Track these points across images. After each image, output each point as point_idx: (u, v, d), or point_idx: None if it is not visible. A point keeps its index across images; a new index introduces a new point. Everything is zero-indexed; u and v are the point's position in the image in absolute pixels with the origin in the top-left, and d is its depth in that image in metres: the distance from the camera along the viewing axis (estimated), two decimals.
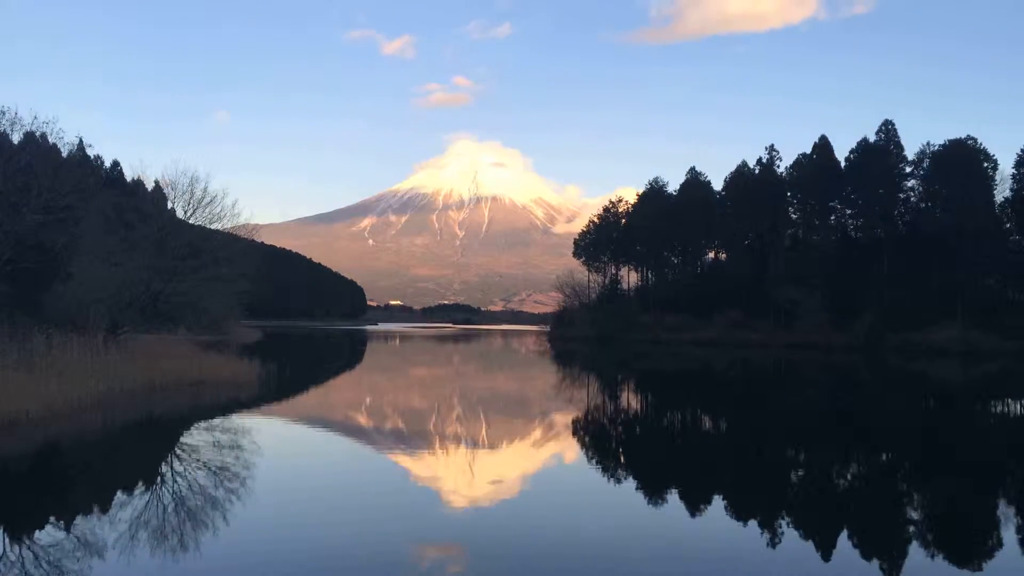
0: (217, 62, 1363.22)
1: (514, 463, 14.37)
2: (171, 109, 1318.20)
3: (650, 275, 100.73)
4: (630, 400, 28.46)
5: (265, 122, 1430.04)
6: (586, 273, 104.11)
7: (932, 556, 8.83)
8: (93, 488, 11.55)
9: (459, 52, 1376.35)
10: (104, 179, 51.25)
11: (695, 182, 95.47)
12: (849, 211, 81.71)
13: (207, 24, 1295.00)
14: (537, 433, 18.55)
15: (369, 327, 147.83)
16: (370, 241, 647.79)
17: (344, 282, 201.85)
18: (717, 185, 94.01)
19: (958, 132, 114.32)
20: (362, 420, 20.25)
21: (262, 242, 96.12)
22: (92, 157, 52.95)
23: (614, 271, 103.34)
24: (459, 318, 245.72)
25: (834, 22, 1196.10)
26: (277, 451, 14.71)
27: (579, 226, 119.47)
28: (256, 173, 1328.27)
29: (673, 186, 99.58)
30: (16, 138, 27.30)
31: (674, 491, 11.96)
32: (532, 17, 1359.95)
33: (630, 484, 12.77)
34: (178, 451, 14.31)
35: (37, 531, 8.94)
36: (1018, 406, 28.10)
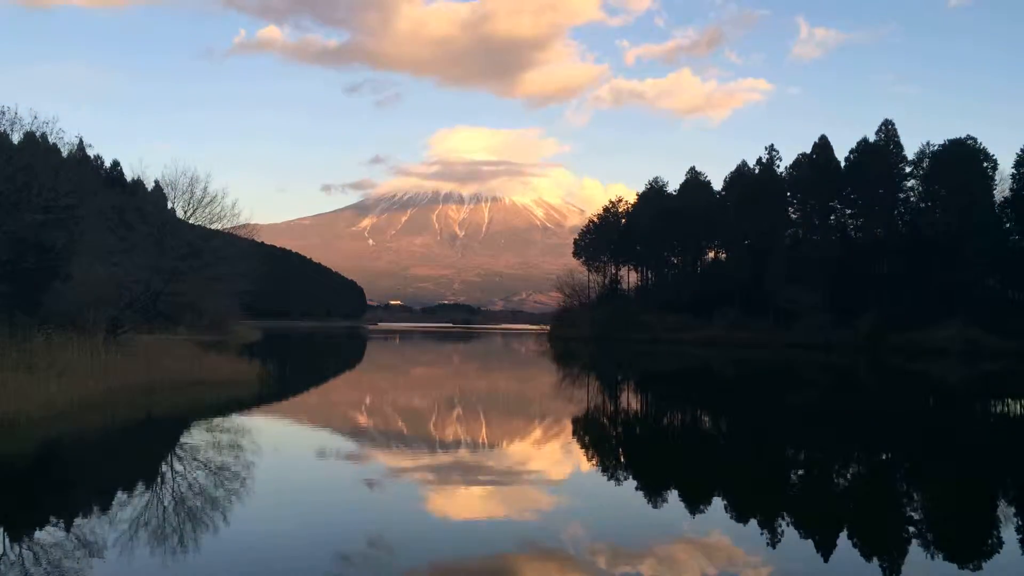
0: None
1: (515, 463, 14.35)
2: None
3: (650, 275, 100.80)
4: (630, 400, 28.47)
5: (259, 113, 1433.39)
6: (586, 273, 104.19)
7: (932, 556, 8.83)
8: (93, 488, 11.54)
9: None
10: (104, 179, 51.35)
11: (695, 182, 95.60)
12: (849, 211, 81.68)
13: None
14: (538, 433, 18.55)
15: (369, 327, 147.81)
16: (370, 241, 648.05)
17: (344, 282, 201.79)
18: (717, 185, 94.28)
19: (958, 132, 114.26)
20: (362, 420, 20.25)
21: (262, 242, 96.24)
22: (92, 157, 53.10)
23: (614, 271, 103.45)
24: (459, 318, 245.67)
25: None
26: (277, 451, 14.70)
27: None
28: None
29: (673, 186, 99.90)
30: (16, 138, 27.26)
31: (674, 490, 11.98)
32: None
33: (631, 484, 12.76)
34: (178, 451, 14.30)
35: (37, 531, 8.93)
36: (1018, 406, 28.09)
